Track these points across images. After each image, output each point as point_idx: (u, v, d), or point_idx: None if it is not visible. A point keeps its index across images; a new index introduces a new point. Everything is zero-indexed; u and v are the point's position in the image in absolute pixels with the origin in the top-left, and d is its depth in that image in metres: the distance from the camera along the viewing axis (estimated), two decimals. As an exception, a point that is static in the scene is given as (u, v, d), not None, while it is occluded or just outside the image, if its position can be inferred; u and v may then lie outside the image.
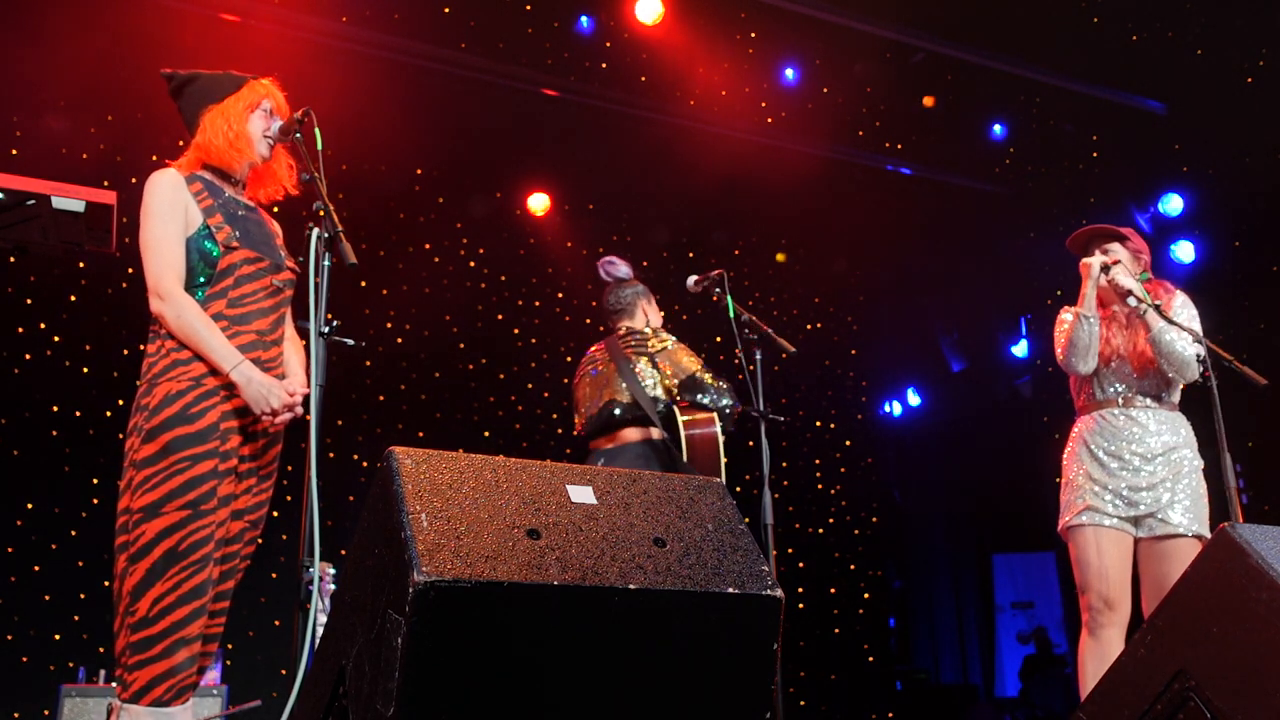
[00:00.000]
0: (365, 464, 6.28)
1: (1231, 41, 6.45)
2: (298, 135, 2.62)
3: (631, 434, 3.87)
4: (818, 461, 8.29)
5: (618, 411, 3.86)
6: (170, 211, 2.62)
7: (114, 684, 2.91)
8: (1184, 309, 3.48)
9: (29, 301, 5.75)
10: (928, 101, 7.27)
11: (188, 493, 2.52)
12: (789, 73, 7.15)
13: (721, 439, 3.84)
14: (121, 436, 2.67)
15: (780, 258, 8.23)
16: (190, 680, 2.51)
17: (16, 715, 5.22)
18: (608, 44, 6.71)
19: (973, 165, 7.73)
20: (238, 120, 2.76)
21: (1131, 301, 3.42)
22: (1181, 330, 3.36)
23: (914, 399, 9.22)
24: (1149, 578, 3.33)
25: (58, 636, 5.42)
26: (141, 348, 2.70)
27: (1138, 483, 3.33)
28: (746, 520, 1.97)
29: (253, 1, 5.83)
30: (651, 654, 1.70)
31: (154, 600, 2.46)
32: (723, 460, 3.83)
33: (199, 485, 2.53)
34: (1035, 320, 8.19)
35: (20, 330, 5.72)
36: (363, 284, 6.62)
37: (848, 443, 8.52)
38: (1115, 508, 3.34)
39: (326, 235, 2.44)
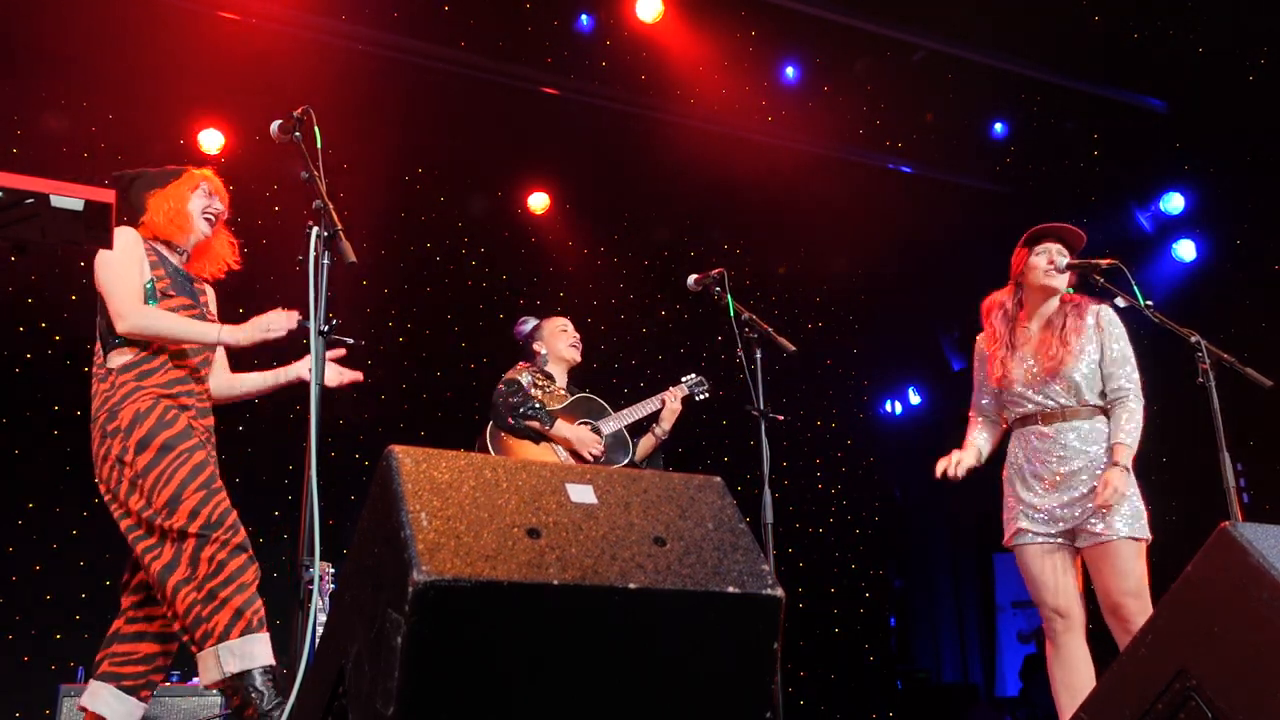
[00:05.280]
0: (366, 463, 6.27)
1: (1233, 39, 6.43)
2: (297, 134, 2.65)
3: None
4: (818, 461, 8.27)
5: None
6: (129, 259, 3.02)
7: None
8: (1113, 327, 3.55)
9: (29, 300, 5.74)
10: (928, 118, 7.31)
11: (198, 475, 2.81)
12: (789, 72, 7.12)
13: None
14: (97, 481, 2.90)
15: (781, 270, 8.21)
16: (262, 614, 2.77)
17: (17, 715, 5.21)
18: (607, 43, 6.69)
19: (973, 165, 7.71)
20: (178, 200, 3.14)
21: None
22: (1175, 328, 3.45)
23: (914, 398, 9.21)
24: (1096, 584, 3.39)
25: (58, 636, 5.41)
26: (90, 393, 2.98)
27: (1062, 500, 3.41)
28: (746, 519, 1.97)
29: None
30: (651, 653, 1.70)
31: (209, 559, 2.72)
32: None
33: (204, 469, 2.83)
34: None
35: (21, 329, 5.71)
36: (364, 283, 6.61)
37: (848, 442, 8.51)
38: (1045, 526, 3.44)
39: (326, 233, 2.44)
